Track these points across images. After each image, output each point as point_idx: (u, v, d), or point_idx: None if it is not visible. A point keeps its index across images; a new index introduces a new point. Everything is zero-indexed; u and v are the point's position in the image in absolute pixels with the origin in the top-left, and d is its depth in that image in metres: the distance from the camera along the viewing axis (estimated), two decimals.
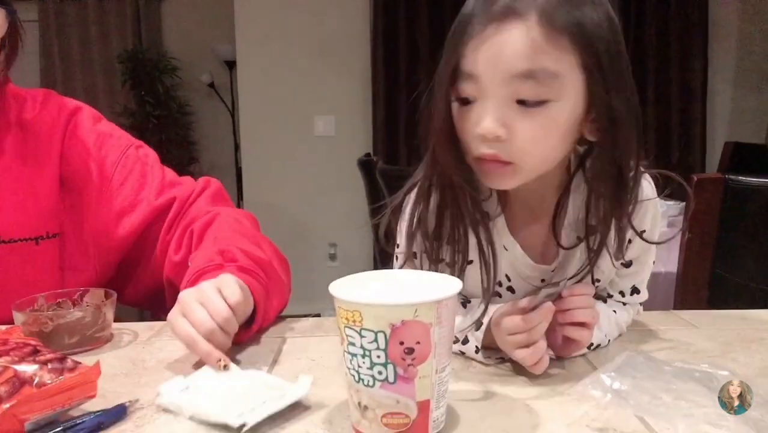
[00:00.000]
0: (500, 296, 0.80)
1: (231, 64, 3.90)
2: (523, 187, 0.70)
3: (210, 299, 0.71)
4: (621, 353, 0.72)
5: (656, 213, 0.77)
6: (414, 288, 0.59)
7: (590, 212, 0.71)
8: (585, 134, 0.67)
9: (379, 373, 0.52)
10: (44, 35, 3.94)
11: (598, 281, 0.78)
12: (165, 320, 0.75)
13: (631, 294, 0.83)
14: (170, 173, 1.05)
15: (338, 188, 3.63)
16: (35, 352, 0.61)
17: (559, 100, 0.62)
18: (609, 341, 0.79)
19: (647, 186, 0.75)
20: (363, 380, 0.53)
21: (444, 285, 0.56)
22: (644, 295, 0.85)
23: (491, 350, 0.72)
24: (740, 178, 1.39)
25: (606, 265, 0.76)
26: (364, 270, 0.61)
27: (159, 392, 0.64)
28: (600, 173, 0.68)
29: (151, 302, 1.06)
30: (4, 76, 0.95)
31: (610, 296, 0.84)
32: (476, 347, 0.73)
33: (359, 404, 0.54)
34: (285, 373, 0.72)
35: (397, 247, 0.81)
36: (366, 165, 2.42)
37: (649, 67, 3.56)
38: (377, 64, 3.52)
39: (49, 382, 0.57)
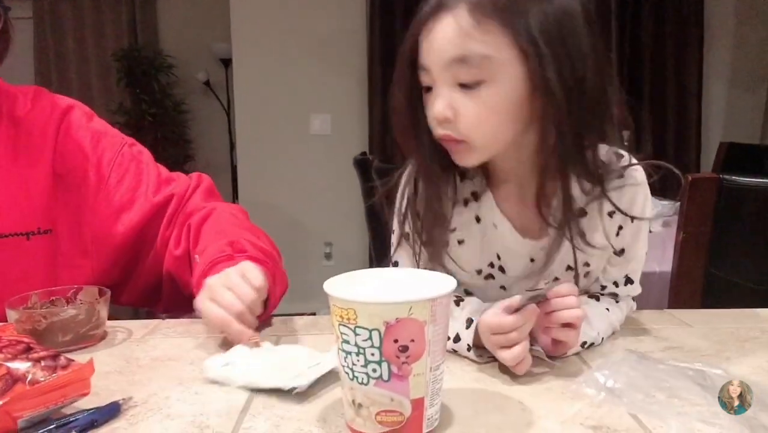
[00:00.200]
0: (493, 277, 0.82)
1: (227, 63, 3.89)
2: (504, 166, 0.77)
3: (236, 284, 0.78)
4: (615, 351, 0.73)
5: (646, 200, 0.79)
6: (408, 286, 0.59)
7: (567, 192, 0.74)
8: (534, 112, 0.70)
9: (374, 371, 0.52)
10: (39, 33, 3.92)
11: (588, 265, 0.80)
12: (162, 316, 0.76)
13: (625, 284, 0.84)
14: (164, 170, 1.08)
15: (334, 187, 3.63)
16: (28, 349, 0.61)
17: (494, 80, 0.67)
18: (602, 339, 0.79)
19: (638, 173, 0.78)
20: (357, 377, 0.53)
21: (438, 283, 0.56)
22: (637, 288, 0.86)
23: (483, 348, 0.73)
24: (735, 178, 1.40)
25: (597, 241, 0.77)
26: (359, 269, 0.61)
27: (204, 367, 0.70)
28: (553, 151, 0.71)
29: (149, 298, 1.06)
30: None
31: (604, 288, 0.84)
32: (468, 345, 0.73)
33: (353, 401, 0.54)
34: None
35: (393, 233, 0.85)
36: (362, 164, 2.42)
37: (645, 68, 3.57)
38: (373, 62, 3.52)
39: (42, 379, 0.57)
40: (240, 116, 3.64)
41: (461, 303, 0.80)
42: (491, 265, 0.82)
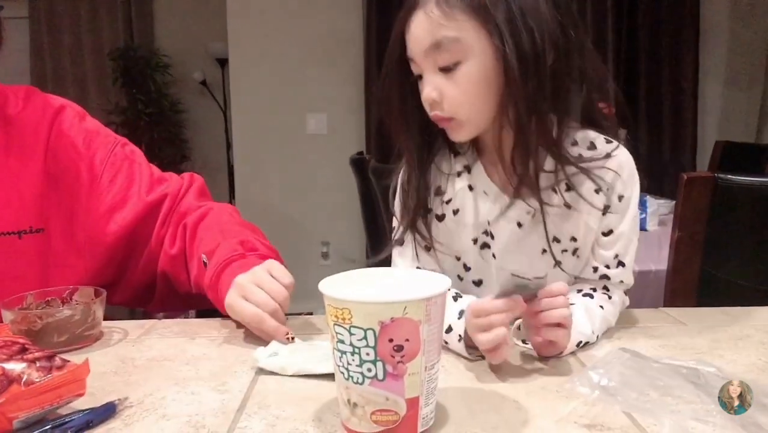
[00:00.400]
0: (489, 246, 0.87)
1: (223, 62, 3.89)
2: (489, 140, 0.84)
3: (267, 281, 0.81)
4: (609, 350, 0.73)
5: (631, 183, 0.84)
6: (403, 286, 0.59)
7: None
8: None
9: (369, 370, 0.53)
10: (35, 32, 3.92)
11: (575, 240, 0.84)
12: (158, 316, 0.76)
13: (616, 267, 0.85)
14: (156, 170, 1.08)
15: (330, 187, 3.63)
16: (23, 350, 0.61)
17: (467, 59, 0.77)
18: (597, 336, 0.80)
19: (623, 156, 0.84)
20: (352, 377, 0.53)
21: (433, 283, 0.56)
22: (629, 275, 0.87)
23: (473, 347, 0.73)
24: (730, 176, 1.40)
25: (586, 221, 0.83)
26: (356, 269, 0.62)
27: (255, 358, 0.72)
28: (517, 120, 0.78)
29: (141, 298, 1.06)
30: None
31: (596, 270, 0.86)
32: (459, 335, 0.74)
33: (349, 401, 0.55)
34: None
35: (395, 219, 0.92)
36: (358, 163, 2.42)
37: (641, 67, 3.57)
38: (370, 62, 3.51)
39: (37, 380, 0.57)
40: (236, 116, 3.64)
41: (458, 299, 0.82)
42: (485, 233, 0.87)
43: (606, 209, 0.84)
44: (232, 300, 0.81)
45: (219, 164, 4.15)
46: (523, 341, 0.75)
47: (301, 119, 3.64)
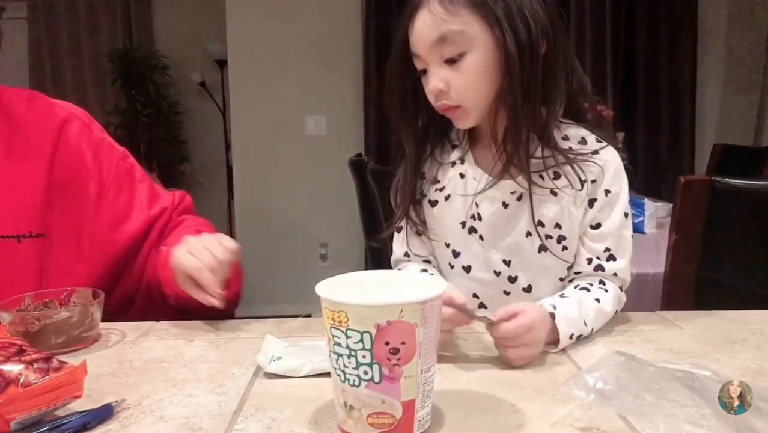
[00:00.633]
0: (476, 230, 0.92)
1: (222, 63, 3.88)
2: (482, 126, 0.91)
3: (213, 244, 0.88)
4: (605, 353, 0.73)
5: (618, 178, 0.89)
6: (400, 289, 0.59)
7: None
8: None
9: (365, 373, 0.53)
10: (34, 33, 3.91)
11: (560, 227, 0.88)
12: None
13: (607, 260, 0.88)
14: (152, 183, 1.13)
15: (329, 188, 3.63)
16: (21, 352, 0.61)
17: (471, 50, 0.83)
18: (592, 329, 0.82)
19: (610, 153, 0.89)
20: (349, 379, 0.54)
21: (429, 286, 0.57)
22: (624, 268, 0.89)
23: None
24: (727, 179, 1.40)
25: (573, 213, 0.88)
26: (354, 270, 0.62)
27: (260, 364, 0.72)
28: (513, 105, 0.84)
29: (122, 307, 1.07)
30: None
31: (590, 261, 0.89)
32: None
33: (345, 403, 0.55)
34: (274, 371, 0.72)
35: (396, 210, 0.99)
36: (357, 165, 2.43)
37: (639, 70, 3.58)
38: (369, 64, 3.52)
39: (34, 382, 0.57)
40: (235, 117, 3.64)
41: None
42: (473, 217, 0.92)
43: (592, 202, 0.88)
44: (179, 253, 0.88)
45: (218, 165, 4.15)
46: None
47: (300, 121, 3.64)
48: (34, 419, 0.57)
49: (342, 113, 3.64)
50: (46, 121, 1.00)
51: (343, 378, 0.54)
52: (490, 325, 0.74)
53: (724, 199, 1.40)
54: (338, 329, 0.53)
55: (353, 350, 0.53)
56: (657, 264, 1.55)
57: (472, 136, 0.95)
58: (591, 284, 0.88)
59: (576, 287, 0.88)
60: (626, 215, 0.89)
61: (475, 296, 0.94)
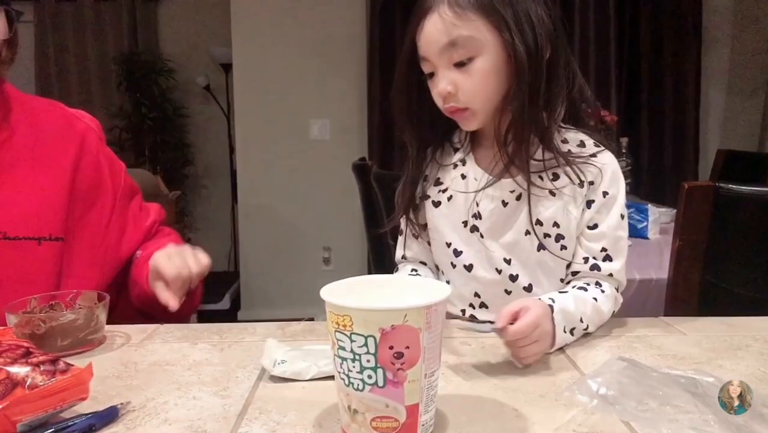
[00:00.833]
0: (477, 229, 0.93)
1: (227, 67, 3.90)
2: (485, 128, 0.92)
3: (190, 256, 0.96)
4: (608, 359, 0.73)
5: (616, 180, 0.90)
6: (404, 293, 0.60)
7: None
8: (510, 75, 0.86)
9: (369, 377, 0.53)
10: (40, 36, 3.94)
11: (558, 226, 0.89)
12: (160, 321, 0.78)
13: (603, 260, 0.90)
14: (141, 195, 1.19)
15: (333, 192, 3.63)
16: (28, 354, 0.62)
17: (481, 54, 0.85)
18: (588, 326, 0.84)
19: (607, 157, 0.91)
20: (353, 383, 0.54)
21: (434, 290, 0.57)
22: (619, 271, 0.90)
23: None
24: (730, 186, 1.40)
25: (571, 211, 0.89)
26: (358, 274, 0.62)
27: (264, 367, 0.73)
28: (517, 108, 0.86)
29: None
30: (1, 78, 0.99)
31: (586, 260, 0.90)
32: None
33: (349, 407, 0.55)
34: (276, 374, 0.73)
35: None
36: (361, 169, 2.43)
37: (643, 75, 3.57)
38: (373, 68, 3.52)
39: (41, 384, 0.58)
40: (240, 121, 3.65)
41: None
42: (474, 216, 0.93)
43: (590, 203, 0.90)
44: (159, 255, 0.96)
45: (222, 169, 4.16)
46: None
47: (304, 125, 3.65)
48: (40, 420, 0.58)
49: (346, 117, 3.65)
50: (67, 131, 1.05)
51: (347, 382, 0.54)
52: (498, 331, 0.74)
53: (728, 205, 1.40)
54: (342, 333, 0.53)
55: (357, 354, 0.53)
56: (660, 270, 1.55)
57: (474, 138, 0.97)
58: (588, 284, 0.89)
59: (573, 286, 0.89)
60: (622, 217, 0.91)
61: (476, 295, 0.94)
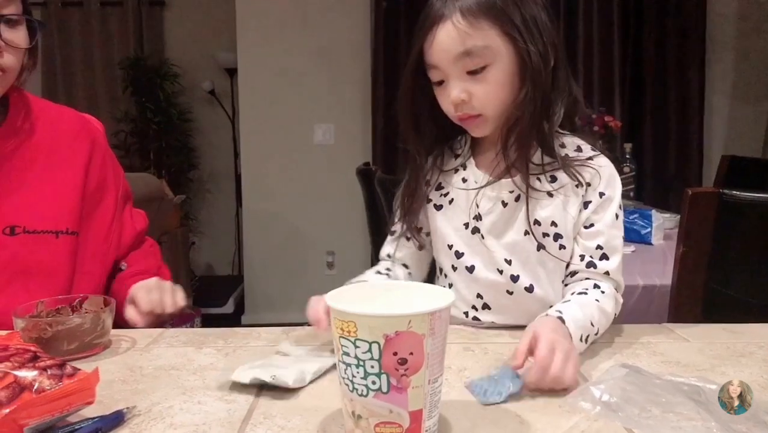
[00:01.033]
0: (479, 230, 0.94)
1: (232, 72, 3.92)
2: (487, 136, 0.94)
3: (168, 293, 1.02)
4: (611, 365, 0.73)
5: (612, 182, 0.92)
6: (408, 299, 0.60)
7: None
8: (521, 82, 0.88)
9: (373, 383, 0.53)
10: (46, 41, 3.96)
11: (555, 225, 0.90)
12: (167, 325, 0.82)
13: (600, 259, 0.91)
14: (132, 202, 1.23)
15: (337, 197, 3.64)
16: (35, 358, 0.62)
17: (494, 62, 0.86)
18: (598, 331, 0.84)
19: (603, 160, 0.93)
20: (357, 389, 0.54)
21: (438, 297, 0.57)
22: (615, 270, 0.91)
23: None
24: (734, 192, 1.40)
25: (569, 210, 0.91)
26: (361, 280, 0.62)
27: (237, 376, 0.71)
28: (525, 114, 0.87)
29: None
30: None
31: (582, 258, 0.91)
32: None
33: (353, 413, 0.55)
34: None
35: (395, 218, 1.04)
36: (365, 174, 2.43)
37: (647, 81, 3.57)
38: (377, 73, 3.53)
39: (48, 388, 0.58)
40: (244, 125, 3.66)
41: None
42: (475, 217, 0.94)
43: (587, 204, 0.91)
44: (140, 287, 1.02)
45: (226, 173, 4.17)
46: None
47: (308, 129, 3.66)
48: (47, 424, 0.58)
49: (350, 122, 3.66)
50: (81, 131, 1.11)
51: (351, 387, 0.55)
52: (525, 375, 0.70)
53: (732, 211, 1.40)
54: (347, 339, 0.54)
55: (361, 360, 0.53)
56: (664, 276, 1.55)
57: (474, 143, 0.99)
58: (587, 288, 0.89)
59: (573, 293, 0.89)
60: (617, 217, 0.92)
61: (479, 296, 0.95)
